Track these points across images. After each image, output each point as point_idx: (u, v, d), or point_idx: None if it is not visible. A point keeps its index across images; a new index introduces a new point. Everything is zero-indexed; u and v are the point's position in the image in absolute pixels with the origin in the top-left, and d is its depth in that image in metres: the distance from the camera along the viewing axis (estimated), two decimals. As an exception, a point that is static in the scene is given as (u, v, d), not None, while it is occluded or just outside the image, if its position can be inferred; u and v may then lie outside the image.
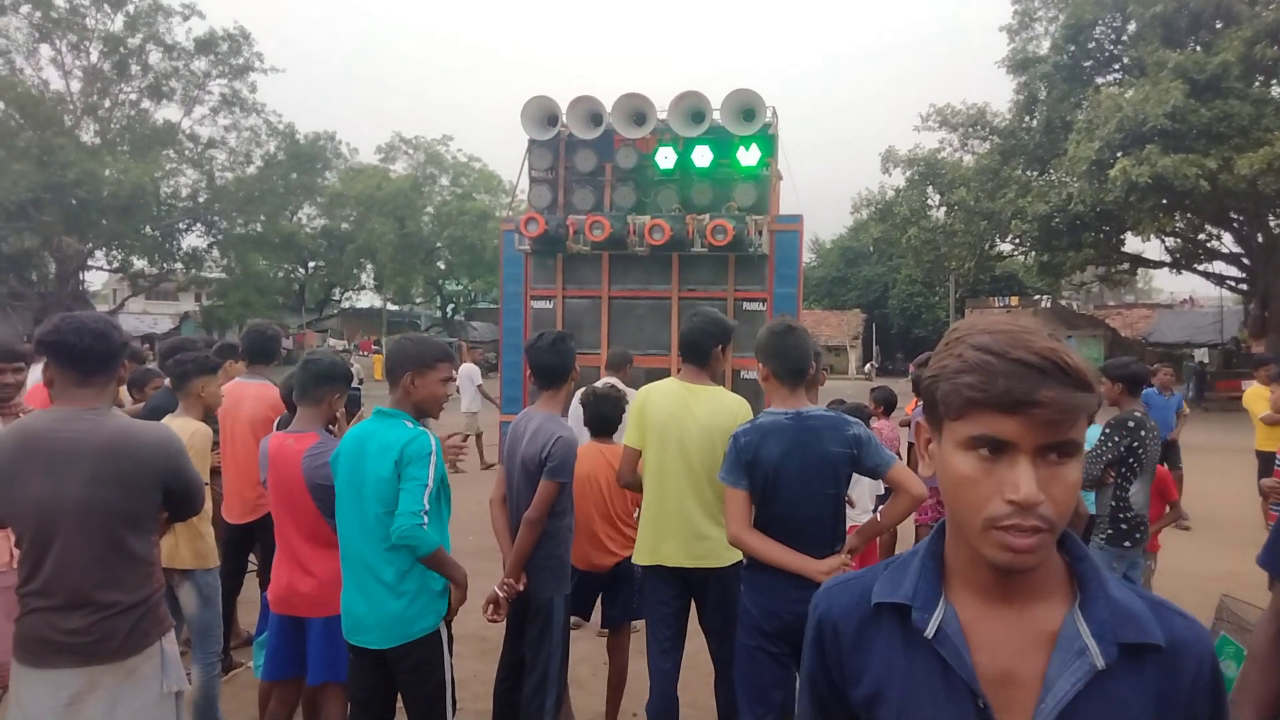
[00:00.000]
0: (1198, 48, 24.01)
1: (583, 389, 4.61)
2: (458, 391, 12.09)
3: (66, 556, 2.45)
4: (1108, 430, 4.72)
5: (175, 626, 3.59)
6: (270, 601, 3.57)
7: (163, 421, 4.16)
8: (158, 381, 5.66)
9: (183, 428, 4.10)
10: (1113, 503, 4.69)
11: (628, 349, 6.23)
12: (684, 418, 3.53)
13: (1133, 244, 31.01)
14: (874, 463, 3.01)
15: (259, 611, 4.42)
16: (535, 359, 3.69)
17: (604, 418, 4.20)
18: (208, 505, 4.19)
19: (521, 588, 3.51)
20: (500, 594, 3.50)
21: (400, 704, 3.18)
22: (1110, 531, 4.66)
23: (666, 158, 8.19)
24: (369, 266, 46.85)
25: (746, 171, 8.11)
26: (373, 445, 3.01)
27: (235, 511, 4.77)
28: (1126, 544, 4.70)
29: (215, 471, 5.15)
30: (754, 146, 8.07)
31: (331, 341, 43.59)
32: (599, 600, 4.36)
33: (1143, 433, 4.67)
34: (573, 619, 4.43)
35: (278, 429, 4.08)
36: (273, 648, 3.60)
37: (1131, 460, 4.67)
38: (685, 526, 3.52)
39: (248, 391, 4.77)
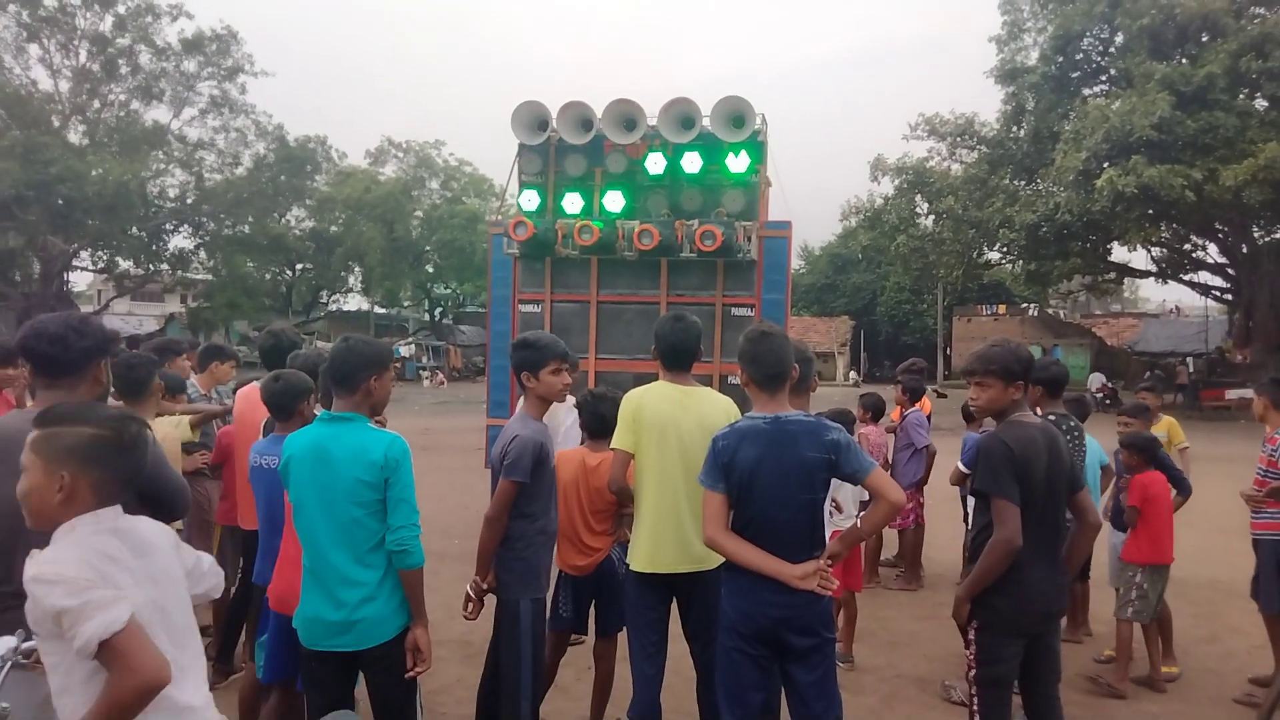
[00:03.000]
0: (1184, 60, 24.22)
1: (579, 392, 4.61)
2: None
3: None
4: None
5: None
6: (270, 600, 3.53)
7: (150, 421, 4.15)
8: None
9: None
10: None
11: (616, 353, 6.20)
12: (682, 418, 3.53)
13: (1119, 253, 31.28)
14: (853, 468, 3.01)
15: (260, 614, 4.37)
16: (515, 359, 3.70)
17: (602, 418, 4.09)
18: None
19: (487, 586, 3.55)
20: (470, 591, 3.56)
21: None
22: None
23: (656, 163, 8.18)
24: (357, 269, 46.70)
25: (736, 178, 8.11)
26: (339, 450, 2.98)
27: (251, 517, 4.67)
28: None
29: (200, 474, 5.11)
30: (743, 153, 8.06)
31: (319, 344, 43.41)
32: (592, 607, 4.31)
33: (1078, 434, 4.77)
34: (574, 635, 4.40)
35: (264, 433, 4.04)
36: (272, 648, 3.57)
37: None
38: (681, 530, 3.51)
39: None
